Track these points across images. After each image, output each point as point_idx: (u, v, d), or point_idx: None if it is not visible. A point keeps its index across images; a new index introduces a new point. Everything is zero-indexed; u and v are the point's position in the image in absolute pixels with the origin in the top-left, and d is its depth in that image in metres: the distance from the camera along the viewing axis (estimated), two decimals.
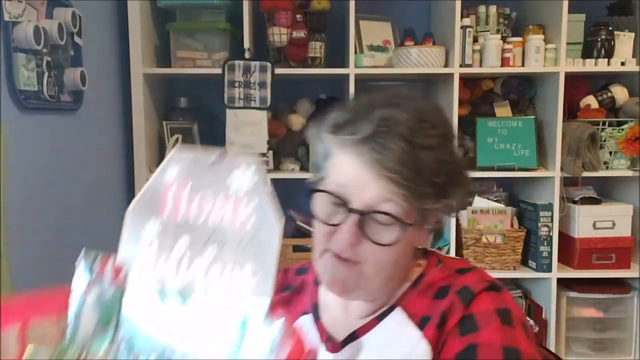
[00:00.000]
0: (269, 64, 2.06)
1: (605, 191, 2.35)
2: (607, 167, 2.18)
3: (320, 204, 0.75)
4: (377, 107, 0.73)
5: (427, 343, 0.73)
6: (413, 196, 0.71)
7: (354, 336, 0.79)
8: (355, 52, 2.15)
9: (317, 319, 0.84)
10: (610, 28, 2.14)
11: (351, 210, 0.72)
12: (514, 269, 2.19)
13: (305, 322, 0.84)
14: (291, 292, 0.89)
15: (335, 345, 0.79)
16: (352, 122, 0.73)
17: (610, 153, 2.18)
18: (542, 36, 2.13)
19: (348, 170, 0.72)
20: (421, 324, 0.75)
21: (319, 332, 0.82)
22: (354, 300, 0.80)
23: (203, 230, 0.55)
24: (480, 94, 2.32)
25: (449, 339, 0.73)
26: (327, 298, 0.85)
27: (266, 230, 0.52)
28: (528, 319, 2.22)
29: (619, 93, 2.23)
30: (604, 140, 2.17)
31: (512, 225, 2.20)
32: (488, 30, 2.21)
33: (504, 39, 2.18)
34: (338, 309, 0.83)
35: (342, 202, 0.72)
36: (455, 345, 0.72)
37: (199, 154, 0.57)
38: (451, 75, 2.11)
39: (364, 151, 0.70)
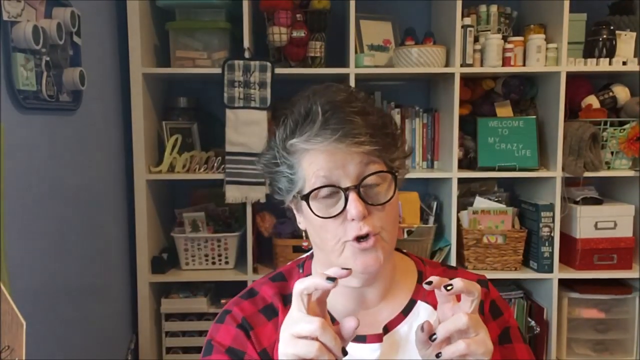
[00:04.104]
0: (268, 64, 2.05)
1: (606, 191, 2.35)
2: (608, 167, 2.17)
3: (315, 207, 0.79)
4: (317, 99, 0.79)
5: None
6: (382, 150, 0.79)
7: (385, 330, 0.85)
8: (356, 52, 2.14)
9: (332, 322, 0.83)
10: (612, 27, 2.13)
11: (347, 189, 0.77)
12: (515, 269, 2.18)
13: None
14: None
15: (377, 337, 0.84)
16: (305, 121, 0.78)
17: (612, 153, 2.17)
18: (543, 35, 2.13)
19: (322, 160, 0.77)
20: None
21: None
22: (378, 273, 0.82)
23: None
24: (481, 93, 2.31)
25: (487, 323, 0.81)
26: (330, 301, 0.85)
27: None
28: (529, 319, 2.22)
29: (621, 93, 2.23)
30: (606, 140, 2.16)
31: (513, 226, 2.19)
32: (489, 30, 2.20)
33: (505, 38, 2.17)
34: (352, 308, 0.85)
35: (334, 189, 0.77)
36: (493, 330, 0.84)
37: None
38: (452, 74, 2.10)
39: (330, 135, 0.76)
